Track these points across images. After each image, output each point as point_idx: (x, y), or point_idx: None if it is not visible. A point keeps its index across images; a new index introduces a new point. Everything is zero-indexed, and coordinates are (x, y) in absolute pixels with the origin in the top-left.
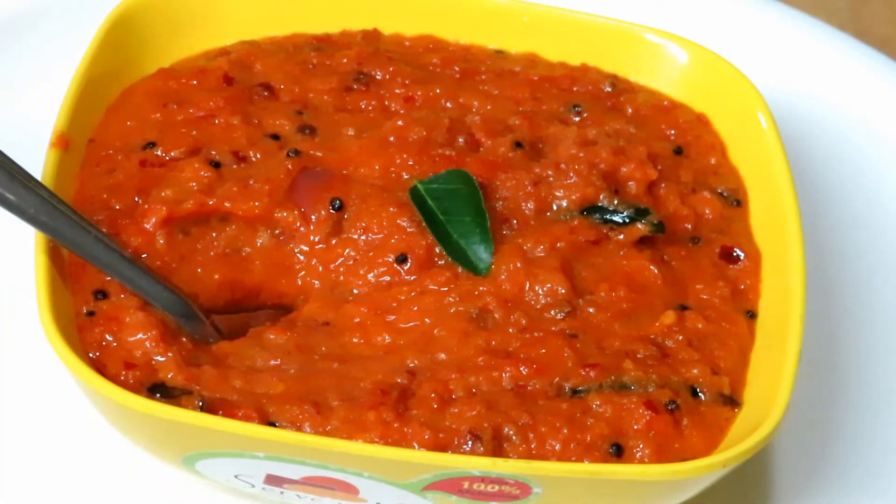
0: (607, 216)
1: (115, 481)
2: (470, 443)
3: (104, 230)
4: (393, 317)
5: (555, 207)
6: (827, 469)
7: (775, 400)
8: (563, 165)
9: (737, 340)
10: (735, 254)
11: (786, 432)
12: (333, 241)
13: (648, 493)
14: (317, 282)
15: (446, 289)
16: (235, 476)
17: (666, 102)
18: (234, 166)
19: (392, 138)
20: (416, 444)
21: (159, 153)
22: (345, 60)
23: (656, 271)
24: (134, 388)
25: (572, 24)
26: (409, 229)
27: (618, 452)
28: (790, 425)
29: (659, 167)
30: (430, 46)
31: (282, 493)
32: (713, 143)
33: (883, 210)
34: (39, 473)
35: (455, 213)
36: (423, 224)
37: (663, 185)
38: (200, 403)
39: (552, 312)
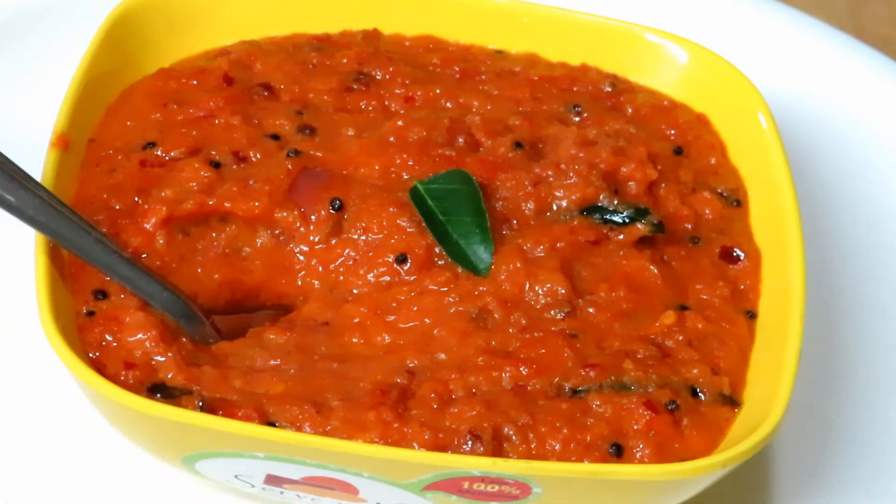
0: (607, 216)
1: (114, 481)
2: (470, 443)
3: (104, 230)
4: (393, 317)
5: (555, 207)
6: (827, 469)
7: (775, 400)
8: (563, 165)
9: (737, 340)
10: (735, 254)
11: (786, 432)
12: (333, 242)
13: (648, 493)
14: (317, 282)
15: (446, 289)
16: (235, 476)
17: (666, 102)
18: (234, 166)
19: (392, 138)
20: (415, 444)
21: (159, 153)
22: (345, 60)
23: (656, 271)
24: (134, 388)
25: (572, 24)
26: (408, 229)
27: (618, 452)
28: (790, 425)
29: (659, 167)
30: (431, 46)
31: (282, 493)
32: (713, 143)
33: (883, 210)
34: (39, 473)
35: (455, 214)
36: (423, 224)
37: (663, 185)
38: (200, 403)
39: (552, 312)
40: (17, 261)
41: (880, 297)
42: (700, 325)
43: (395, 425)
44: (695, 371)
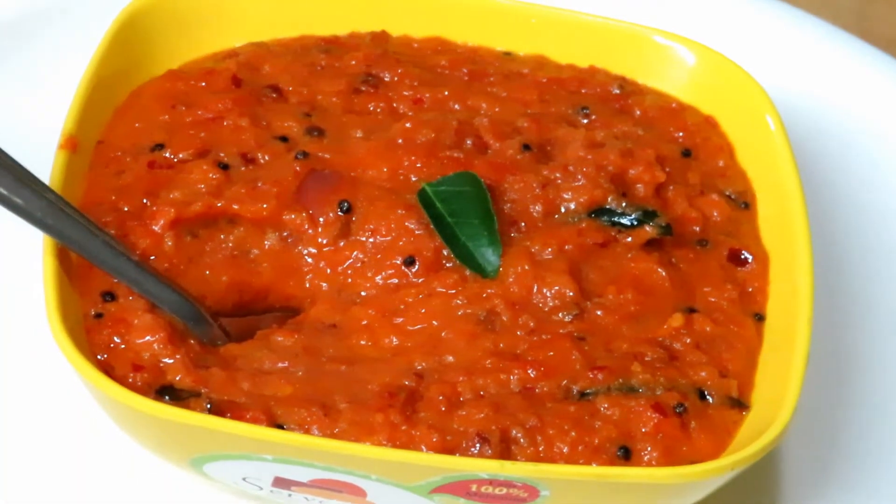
0: (615, 218)
1: (115, 482)
2: (478, 445)
3: (112, 232)
4: (400, 319)
5: (563, 210)
6: (835, 472)
7: (783, 403)
8: (571, 167)
9: (745, 343)
10: (743, 256)
11: (794, 435)
12: (341, 244)
13: (656, 495)
14: (324, 284)
15: (454, 291)
16: (243, 478)
17: (674, 104)
18: (243, 168)
19: (400, 140)
20: (423, 447)
21: (168, 155)
22: (353, 62)
23: (664, 274)
24: (142, 391)
25: (580, 26)
26: (416, 231)
27: (625, 455)
28: (798, 428)
29: (667, 169)
30: (439, 48)
31: (290, 495)
32: (721, 146)
33: (891, 212)
34: (40, 473)
35: (463, 216)
36: (431, 226)
37: (671, 187)
38: (208, 406)
39: (560, 315)
40: (25, 262)
41: (888, 299)
42: (708, 328)
43: (403, 428)
44: (703, 373)
